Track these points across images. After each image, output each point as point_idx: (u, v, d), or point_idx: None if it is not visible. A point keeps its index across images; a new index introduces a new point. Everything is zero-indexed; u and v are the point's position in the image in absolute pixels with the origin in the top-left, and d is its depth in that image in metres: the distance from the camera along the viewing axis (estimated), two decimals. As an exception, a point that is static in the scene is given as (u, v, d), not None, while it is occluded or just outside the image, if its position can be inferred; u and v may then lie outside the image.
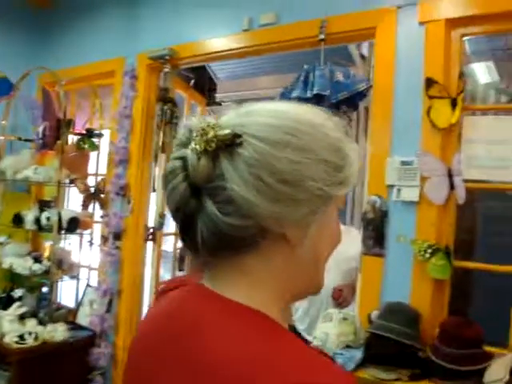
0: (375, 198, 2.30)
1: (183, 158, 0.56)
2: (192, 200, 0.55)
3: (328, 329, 2.07)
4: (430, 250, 2.08)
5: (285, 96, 2.33)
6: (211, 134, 0.54)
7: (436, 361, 1.82)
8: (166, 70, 3.03)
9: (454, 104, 2.06)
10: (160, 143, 2.88)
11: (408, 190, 2.20)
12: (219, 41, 2.81)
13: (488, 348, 1.84)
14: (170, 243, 3.82)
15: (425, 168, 2.11)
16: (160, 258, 3.29)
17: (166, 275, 3.68)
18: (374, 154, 2.30)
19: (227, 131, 0.54)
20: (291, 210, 0.54)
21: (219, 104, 9.19)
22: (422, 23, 2.14)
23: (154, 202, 3.24)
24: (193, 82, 3.36)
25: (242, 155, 0.54)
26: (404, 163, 2.20)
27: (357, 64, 6.45)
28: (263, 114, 0.58)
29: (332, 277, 2.67)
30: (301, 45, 2.54)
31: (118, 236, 3.10)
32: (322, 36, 2.35)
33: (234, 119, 0.57)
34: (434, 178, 2.10)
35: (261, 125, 0.56)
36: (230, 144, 0.54)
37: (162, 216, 3.23)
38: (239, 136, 0.54)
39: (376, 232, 2.32)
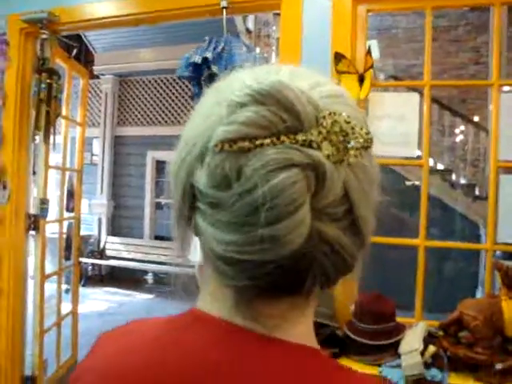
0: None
1: (308, 167, 0.38)
2: (315, 233, 0.40)
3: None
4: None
5: (188, 69, 2.15)
6: (359, 133, 0.40)
7: (353, 337, 1.83)
8: (44, 36, 2.66)
9: (361, 80, 2.05)
10: (43, 121, 2.52)
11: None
12: (108, 6, 2.52)
13: (400, 319, 1.90)
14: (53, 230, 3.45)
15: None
16: (45, 250, 2.95)
17: (51, 267, 3.32)
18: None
19: (366, 130, 0.41)
20: None
21: (97, 77, 8.61)
22: (329, -2, 2.09)
23: (35, 186, 2.88)
24: (75, 51, 2.99)
25: (363, 168, 0.42)
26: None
27: (242, 37, 6.40)
28: (349, 99, 0.45)
29: None
30: (200, 13, 2.36)
31: (-7, 227, 2.70)
32: (225, 3, 2.19)
33: (330, 103, 0.42)
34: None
35: (362, 119, 0.44)
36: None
37: (44, 201, 2.88)
38: (372, 139, 0.42)
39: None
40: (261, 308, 0.44)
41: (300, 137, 0.39)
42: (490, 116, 6.53)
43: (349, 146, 0.40)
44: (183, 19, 2.50)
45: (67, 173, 3.43)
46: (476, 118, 6.83)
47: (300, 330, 0.46)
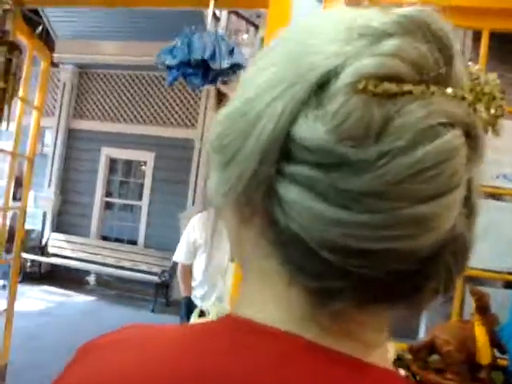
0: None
1: (466, 129, 0.30)
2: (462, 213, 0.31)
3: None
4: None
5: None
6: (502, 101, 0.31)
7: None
8: (7, 6, 2.45)
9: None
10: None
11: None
12: (82, -18, 2.35)
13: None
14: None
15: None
16: (-15, 239, 2.70)
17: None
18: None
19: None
20: None
21: (56, 66, 8.24)
22: (320, 0, 2.02)
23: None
24: (40, 29, 2.78)
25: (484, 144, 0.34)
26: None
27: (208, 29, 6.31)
28: None
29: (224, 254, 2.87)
30: (183, 2, 2.23)
31: None
32: (214, -5, 2.09)
33: None
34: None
35: None
36: None
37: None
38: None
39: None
40: (354, 321, 0.32)
41: (451, 90, 0.29)
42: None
43: (497, 113, 0.31)
44: (163, 6, 2.37)
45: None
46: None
47: (385, 348, 0.35)
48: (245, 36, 7.29)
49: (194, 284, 3.17)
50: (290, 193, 0.30)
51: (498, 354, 1.65)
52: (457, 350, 1.59)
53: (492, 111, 0.31)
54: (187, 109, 7.96)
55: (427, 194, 0.28)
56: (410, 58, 0.29)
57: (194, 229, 3.16)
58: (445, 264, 0.31)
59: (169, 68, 2.05)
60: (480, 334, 1.62)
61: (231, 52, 2.00)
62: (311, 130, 0.29)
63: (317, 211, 0.29)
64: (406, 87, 0.28)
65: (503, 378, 1.69)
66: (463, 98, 0.30)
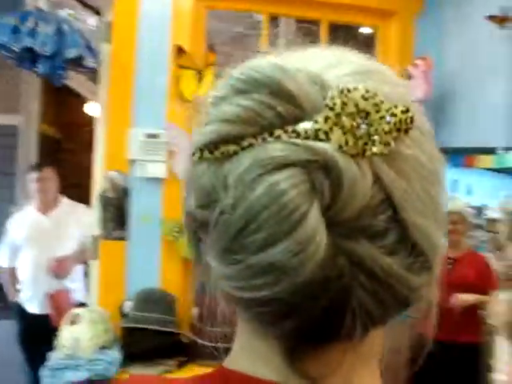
0: (114, 174, 2.07)
1: (312, 165, 0.29)
2: (342, 255, 0.30)
3: (78, 333, 1.75)
4: (178, 229, 2.01)
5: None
6: (391, 111, 0.30)
7: (202, 343, 1.77)
8: None
9: (200, 76, 2.02)
10: None
11: (154, 165, 2.08)
12: None
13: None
14: None
15: (174, 142, 2.02)
16: None
17: None
18: (112, 125, 2.10)
19: (402, 108, 0.30)
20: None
21: None
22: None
23: None
24: None
25: (408, 158, 0.32)
26: (149, 136, 2.05)
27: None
28: (388, 76, 0.35)
29: (52, 250, 2.68)
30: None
31: None
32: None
33: (351, 80, 0.31)
34: (182, 152, 2.02)
35: (407, 100, 0.33)
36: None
37: None
38: (412, 118, 0.31)
39: (117, 213, 2.10)
40: (307, 364, 0.33)
41: (301, 127, 0.29)
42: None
43: (371, 129, 0.30)
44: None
45: None
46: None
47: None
48: (69, 11, 6.74)
49: (19, 287, 2.97)
50: (202, 252, 0.35)
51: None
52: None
53: (376, 126, 0.30)
54: (6, 94, 7.12)
55: (258, 244, 0.29)
56: (237, 116, 0.30)
57: (12, 228, 2.95)
58: (356, 298, 0.30)
59: (35, 54, 1.87)
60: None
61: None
62: (190, 200, 0.34)
63: (213, 267, 0.33)
64: (246, 142, 0.30)
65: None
66: (307, 134, 0.29)
